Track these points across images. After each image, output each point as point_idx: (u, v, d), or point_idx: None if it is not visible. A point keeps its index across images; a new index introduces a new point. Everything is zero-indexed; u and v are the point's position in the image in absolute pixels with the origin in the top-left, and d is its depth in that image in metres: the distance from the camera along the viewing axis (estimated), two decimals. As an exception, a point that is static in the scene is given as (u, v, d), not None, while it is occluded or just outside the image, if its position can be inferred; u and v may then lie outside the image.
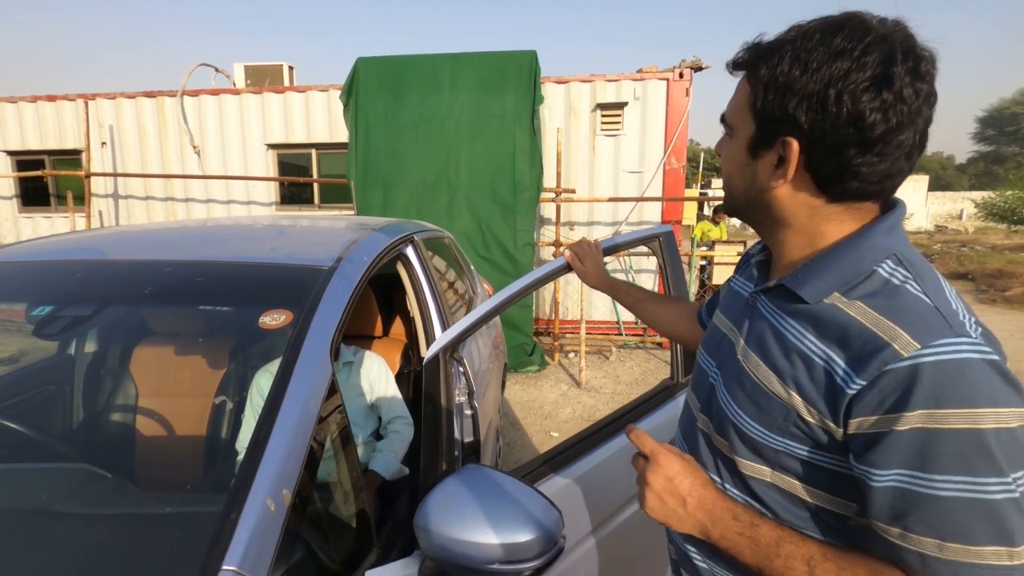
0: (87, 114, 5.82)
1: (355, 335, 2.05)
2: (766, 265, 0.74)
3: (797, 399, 0.60)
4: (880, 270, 0.60)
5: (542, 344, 5.48)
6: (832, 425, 0.58)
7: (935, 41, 0.57)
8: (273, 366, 0.95)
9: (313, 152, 6.32)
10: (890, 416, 0.53)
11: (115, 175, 6.19)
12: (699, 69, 5.52)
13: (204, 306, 1.22)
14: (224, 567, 0.63)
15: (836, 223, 0.63)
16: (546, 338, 5.72)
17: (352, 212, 5.46)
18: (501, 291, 1.18)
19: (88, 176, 5.85)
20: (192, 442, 1.17)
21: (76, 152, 6.33)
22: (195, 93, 6.19)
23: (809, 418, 0.60)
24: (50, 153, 6.60)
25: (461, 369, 1.28)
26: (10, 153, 6.63)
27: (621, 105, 5.55)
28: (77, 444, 1.36)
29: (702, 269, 6.39)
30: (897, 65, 0.54)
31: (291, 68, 6.79)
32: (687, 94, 5.49)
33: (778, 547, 0.59)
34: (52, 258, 1.33)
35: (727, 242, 6.56)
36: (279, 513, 0.72)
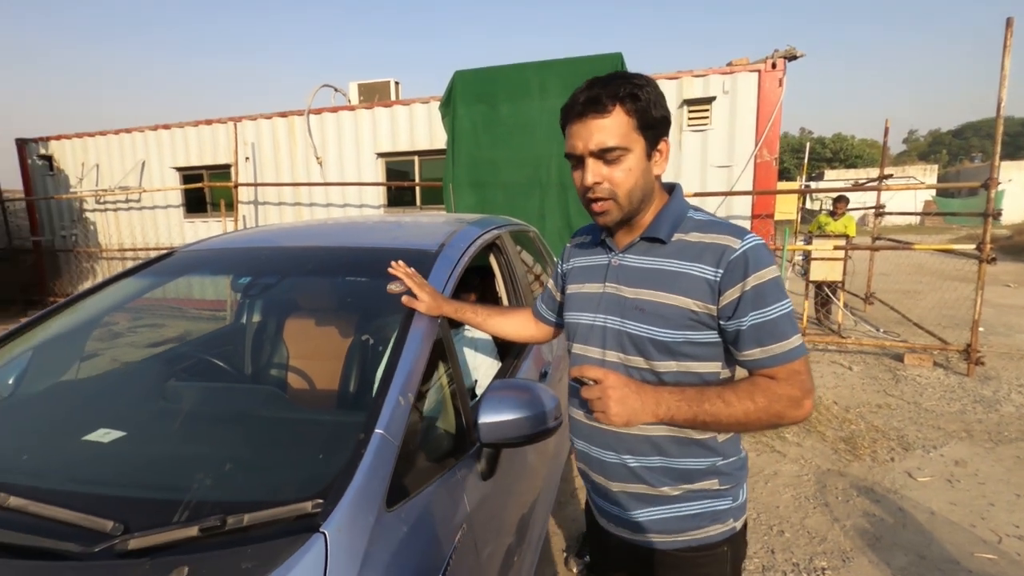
0: (236, 134, 6.92)
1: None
2: (611, 240, 1.07)
3: (687, 300, 0.95)
4: (691, 215, 1.01)
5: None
6: (711, 307, 0.94)
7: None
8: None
9: (416, 158, 6.97)
10: (739, 285, 0.92)
11: (256, 184, 7.27)
12: (793, 58, 5.36)
13: (350, 277, 1.66)
14: (376, 430, 0.99)
15: (660, 193, 1.04)
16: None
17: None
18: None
19: (236, 186, 6.96)
20: (344, 373, 1.61)
21: (226, 167, 7.53)
22: (318, 111, 7.10)
23: (697, 308, 0.95)
24: (207, 168, 7.91)
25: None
26: (178, 169, 8.04)
27: (709, 100, 5.55)
28: (254, 378, 1.87)
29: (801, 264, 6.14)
30: None
31: (397, 84, 7.53)
32: (780, 84, 5.36)
33: (701, 394, 0.90)
34: (243, 245, 1.84)
35: (823, 236, 6.25)
36: (406, 406, 1.08)
